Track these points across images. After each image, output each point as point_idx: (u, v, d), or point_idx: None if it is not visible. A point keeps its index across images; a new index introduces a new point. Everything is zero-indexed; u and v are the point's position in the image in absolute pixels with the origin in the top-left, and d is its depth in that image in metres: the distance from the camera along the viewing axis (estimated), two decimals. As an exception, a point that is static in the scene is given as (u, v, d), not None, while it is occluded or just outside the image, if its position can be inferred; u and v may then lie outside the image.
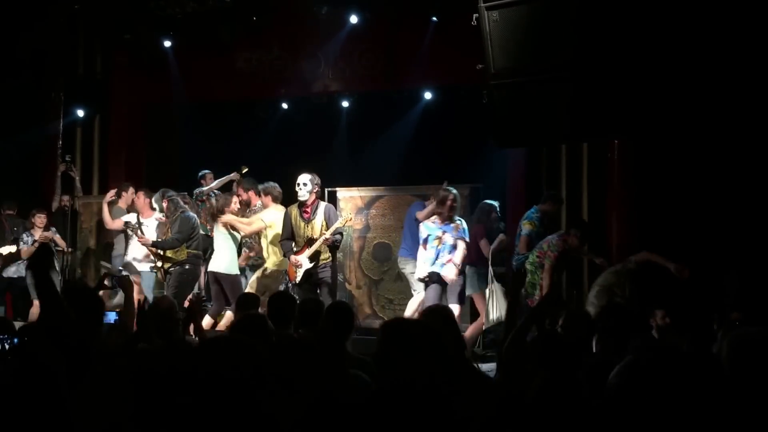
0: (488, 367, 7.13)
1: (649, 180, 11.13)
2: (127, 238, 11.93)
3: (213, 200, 12.13)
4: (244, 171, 12.61)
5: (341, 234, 10.60)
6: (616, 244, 11.10)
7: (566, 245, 10.00)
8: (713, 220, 10.38)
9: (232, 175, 12.80)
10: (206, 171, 13.62)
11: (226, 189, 12.66)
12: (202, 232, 11.54)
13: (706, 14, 7.43)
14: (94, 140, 15.10)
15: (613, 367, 3.53)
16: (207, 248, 11.61)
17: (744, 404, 3.63)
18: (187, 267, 10.94)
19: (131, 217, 11.85)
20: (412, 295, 11.70)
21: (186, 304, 9.04)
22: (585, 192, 11.91)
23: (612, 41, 7.62)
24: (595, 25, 7.64)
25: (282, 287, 12.78)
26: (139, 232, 11.29)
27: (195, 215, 11.36)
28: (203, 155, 14.13)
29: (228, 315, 10.71)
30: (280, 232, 10.77)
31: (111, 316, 6.96)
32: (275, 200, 11.41)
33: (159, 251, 11.00)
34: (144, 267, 11.68)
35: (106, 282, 7.16)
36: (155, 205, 11.57)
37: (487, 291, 10.66)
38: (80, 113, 14.55)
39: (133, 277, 10.65)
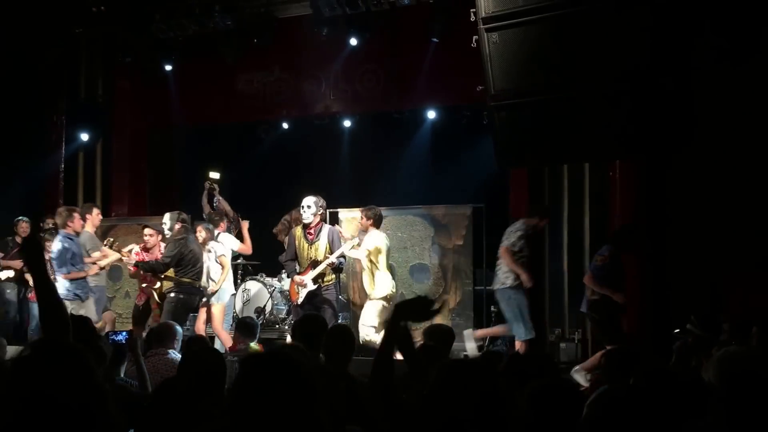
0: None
1: (650, 198, 11.14)
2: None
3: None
4: (212, 176, 12.52)
5: (345, 257, 10.60)
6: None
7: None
8: (715, 238, 10.39)
9: (205, 185, 12.72)
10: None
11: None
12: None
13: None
14: (97, 163, 15.10)
15: None
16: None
17: (734, 422, 3.65)
18: (179, 296, 10.47)
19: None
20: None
21: None
22: (587, 210, 11.89)
23: (610, 61, 7.65)
24: (593, 46, 7.67)
25: (285, 308, 12.83)
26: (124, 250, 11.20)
27: (195, 244, 10.89)
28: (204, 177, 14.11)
29: None
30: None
31: (122, 335, 6.86)
32: (376, 224, 10.85)
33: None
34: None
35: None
36: (167, 224, 11.02)
37: None
38: (82, 137, 14.55)
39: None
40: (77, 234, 10.90)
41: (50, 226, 12.75)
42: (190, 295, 10.62)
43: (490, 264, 12.75)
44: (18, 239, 12.65)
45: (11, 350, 7.00)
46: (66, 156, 14.54)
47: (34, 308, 12.14)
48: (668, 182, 11.08)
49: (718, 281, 10.56)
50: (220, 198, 12.82)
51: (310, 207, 10.30)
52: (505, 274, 10.14)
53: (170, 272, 10.62)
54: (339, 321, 10.62)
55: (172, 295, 10.47)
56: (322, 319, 7.16)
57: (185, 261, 10.49)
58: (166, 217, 10.92)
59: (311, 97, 14.18)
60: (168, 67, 14.32)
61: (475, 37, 8.21)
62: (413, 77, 13.22)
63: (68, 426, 2.56)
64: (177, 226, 10.80)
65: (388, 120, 14.34)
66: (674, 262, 10.93)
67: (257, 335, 8.75)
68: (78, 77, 15.04)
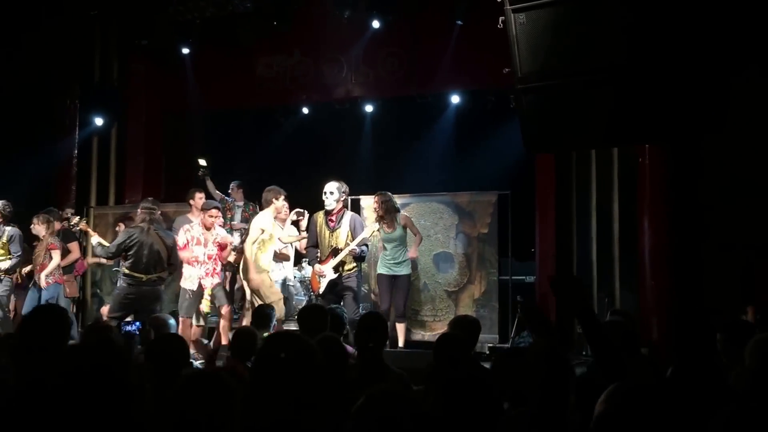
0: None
1: (681, 184, 10.87)
2: None
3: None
4: (201, 163, 12.23)
5: (367, 245, 10.35)
6: (648, 250, 10.79)
7: None
8: (745, 225, 10.17)
9: (200, 174, 12.42)
10: (234, 182, 13.17)
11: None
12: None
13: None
14: (111, 149, 14.91)
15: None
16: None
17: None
18: (119, 283, 10.10)
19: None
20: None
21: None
22: (616, 197, 11.64)
23: (639, 42, 7.36)
24: (623, 27, 7.38)
25: (305, 298, 12.56)
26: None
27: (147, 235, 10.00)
28: (222, 163, 13.88)
29: None
30: None
31: (135, 326, 6.62)
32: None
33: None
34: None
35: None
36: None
37: None
38: (97, 122, 14.27)
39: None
40: None
41: (68, 215, 12.42)
42: (130, 285, 9.89)
43: (516, 253, 12.55)
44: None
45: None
46: (79, 141, 14.21)
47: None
48: (700, 168, 10.84)
49: (750, 270, 10.35)
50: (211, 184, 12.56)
51: (332, 193, 10.12)
52: None
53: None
54: (360, 311, 10.35)
55: (118, 283, 10.17)
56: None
57: (129, 251, 9.88)
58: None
59: (332, 82, 14.01)
60: (185, 51, 14.07)
61: (501, 18, 7.89)
62: (437, 61, 13.02)
63: None
64: (140, 214, 10.19)
65: (411, 105, 14.04)
66: (705, 250, 10.72)
67: (271, 326, 8.50)
68: (92, 60, 14.76)
